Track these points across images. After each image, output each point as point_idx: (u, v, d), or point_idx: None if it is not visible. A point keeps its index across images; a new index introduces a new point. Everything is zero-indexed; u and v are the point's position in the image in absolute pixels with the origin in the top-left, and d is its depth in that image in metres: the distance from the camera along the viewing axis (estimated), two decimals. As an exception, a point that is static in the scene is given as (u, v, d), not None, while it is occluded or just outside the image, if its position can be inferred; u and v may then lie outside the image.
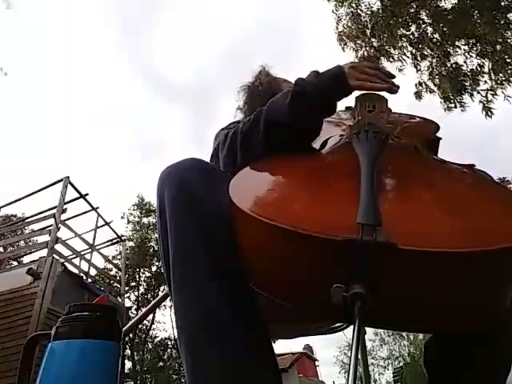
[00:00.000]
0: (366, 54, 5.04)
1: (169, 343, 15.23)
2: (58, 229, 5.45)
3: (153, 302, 1.25)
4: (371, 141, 0.58)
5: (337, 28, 5.20)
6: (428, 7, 4.68)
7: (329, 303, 0.38)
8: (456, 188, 0.58)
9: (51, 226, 5.62)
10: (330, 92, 0.69)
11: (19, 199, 6.32)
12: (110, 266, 10.70)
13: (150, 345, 15.27)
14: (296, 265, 0.43)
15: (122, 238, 8.34)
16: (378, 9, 4.87)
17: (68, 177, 5.92)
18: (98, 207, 6.84)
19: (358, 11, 4.98)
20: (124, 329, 0.76)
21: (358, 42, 5.10)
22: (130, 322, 1.24)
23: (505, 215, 0.48)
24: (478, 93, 4.42)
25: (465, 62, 4.62)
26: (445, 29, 4.57)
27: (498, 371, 0.59)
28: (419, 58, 4.94)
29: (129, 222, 15.96)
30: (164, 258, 0.58)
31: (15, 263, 7.80)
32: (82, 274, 5.93)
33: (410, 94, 4.97)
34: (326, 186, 0.56)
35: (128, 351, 13.13)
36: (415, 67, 4.99)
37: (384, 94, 0.72)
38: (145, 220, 15.89)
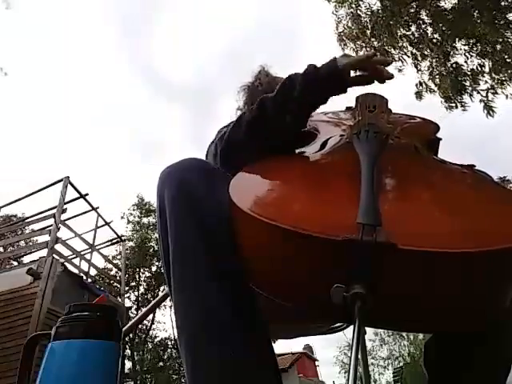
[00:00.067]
0: (365, 54, 5.03)
1: (169, 343, 15.23)
2: (58, 229, 5.45)
3: (153, 302, 1.25)
4: (371, 141, 0.58)
5: (337, 29, 5.19)
6: (428, 7, 4.68)
7: (329, 303, 0.38)
8: (456, 188, 0.58)
9: (51, 226, 5.62)
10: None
11: (19, 199, 6.33)
12: (109, 265, 10.71)
13: (149, 345, 15.27)
14: (296, 265, 0.43)
15: (122, 238, 8.34)
16: (378, 9, 4.87)
17: (68, 177, 5.92)
18: (97, 207, 6.85)
19: (358, 12, 4.98)
20: (124, 329, 0.76)
21: (358, 42, 5.09)
22: (130, 322, 1.25)
23: (505, 215, 0.48)
24: (478, 93, 4.41)
25: (465, 61, 4.62)
26: (445, 29, 4.57)
27: (498, 371, 0.59)
28: (419, 58, 4.94)
29: (129, 222, 15.99)
30: (164, 258, 0.58)
31: (15, 263, 7.80)
32: (81, 274, 5.93)
33: (410, 93, 4.98)
34: (326, 185, 0.56)
35: (128, 351, 13.12)
36: (415, 67, 4.98)
37: (382, 93, 0.72)
38: (145, 220, 15.91)
